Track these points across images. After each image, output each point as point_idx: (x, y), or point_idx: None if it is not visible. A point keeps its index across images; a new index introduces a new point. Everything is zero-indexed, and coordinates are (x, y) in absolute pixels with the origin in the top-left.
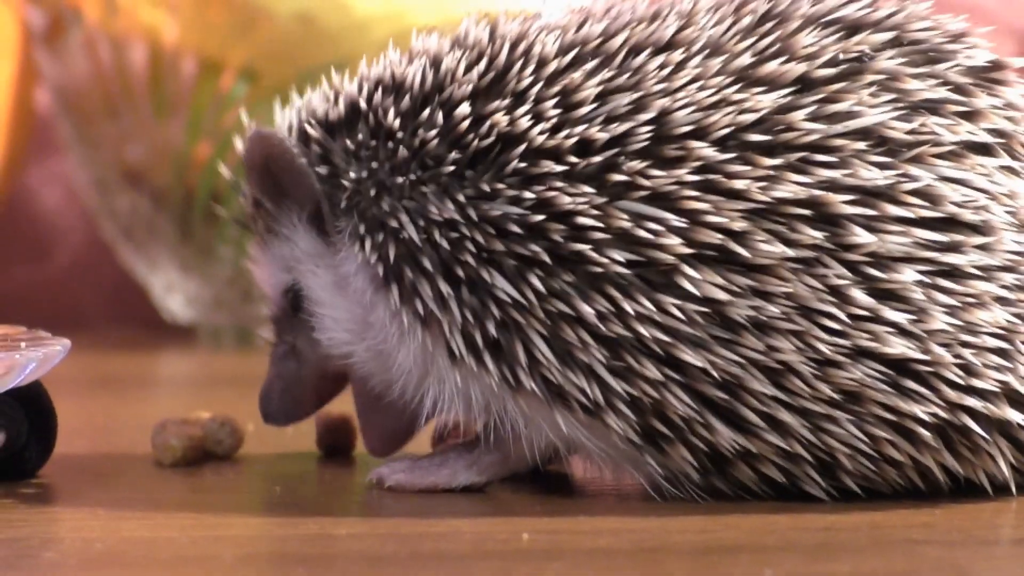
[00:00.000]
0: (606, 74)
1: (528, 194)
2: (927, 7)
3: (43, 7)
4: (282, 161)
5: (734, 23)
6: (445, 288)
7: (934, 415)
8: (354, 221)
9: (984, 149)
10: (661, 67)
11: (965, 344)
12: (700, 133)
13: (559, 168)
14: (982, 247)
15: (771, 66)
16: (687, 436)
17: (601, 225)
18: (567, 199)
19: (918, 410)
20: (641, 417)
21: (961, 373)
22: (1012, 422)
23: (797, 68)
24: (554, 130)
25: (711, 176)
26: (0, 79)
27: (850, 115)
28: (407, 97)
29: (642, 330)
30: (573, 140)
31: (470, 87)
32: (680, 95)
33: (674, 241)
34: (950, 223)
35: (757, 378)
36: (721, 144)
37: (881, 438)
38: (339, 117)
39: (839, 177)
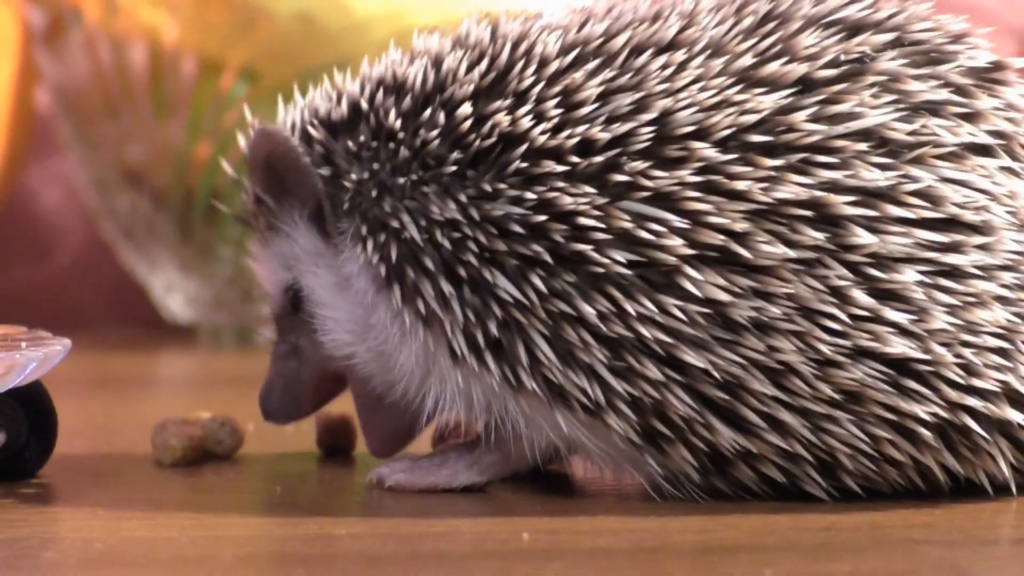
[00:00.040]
0: (608, 74)
1: (530, 194)
2: (928, 8)
3: (43, 7)
4: (285, 158)
5: (736, 24)
6: (447, 288)
7: (935, 415)
8: (356, 222)
9: (985, 150)
10: (663, 67)
11: (966, 344)
12: (702, 134)
13: (561, 168)
14: (983, 247)
15: (772, 67)
16: (687, 436)
17: (602, 225)
18: (569, 199)
19: (919, 410)
20: (642, 417)
21: (962, 373)
22: (1012, 422)
23: (798, 69)
24: (556, 130)
25: (713, 177)
26: (0, 79)
27: (851, 116)
28: (408, 97)
29: (643, 330)
30: (575, 140)
31: (471, 87)
32: (682, 96)
33: (675, 242)
34: (951, 224)
35: (758, 378)
36: (723, 145)
37: (882, 438)
38: (341, 118)
39: (840, 178)
